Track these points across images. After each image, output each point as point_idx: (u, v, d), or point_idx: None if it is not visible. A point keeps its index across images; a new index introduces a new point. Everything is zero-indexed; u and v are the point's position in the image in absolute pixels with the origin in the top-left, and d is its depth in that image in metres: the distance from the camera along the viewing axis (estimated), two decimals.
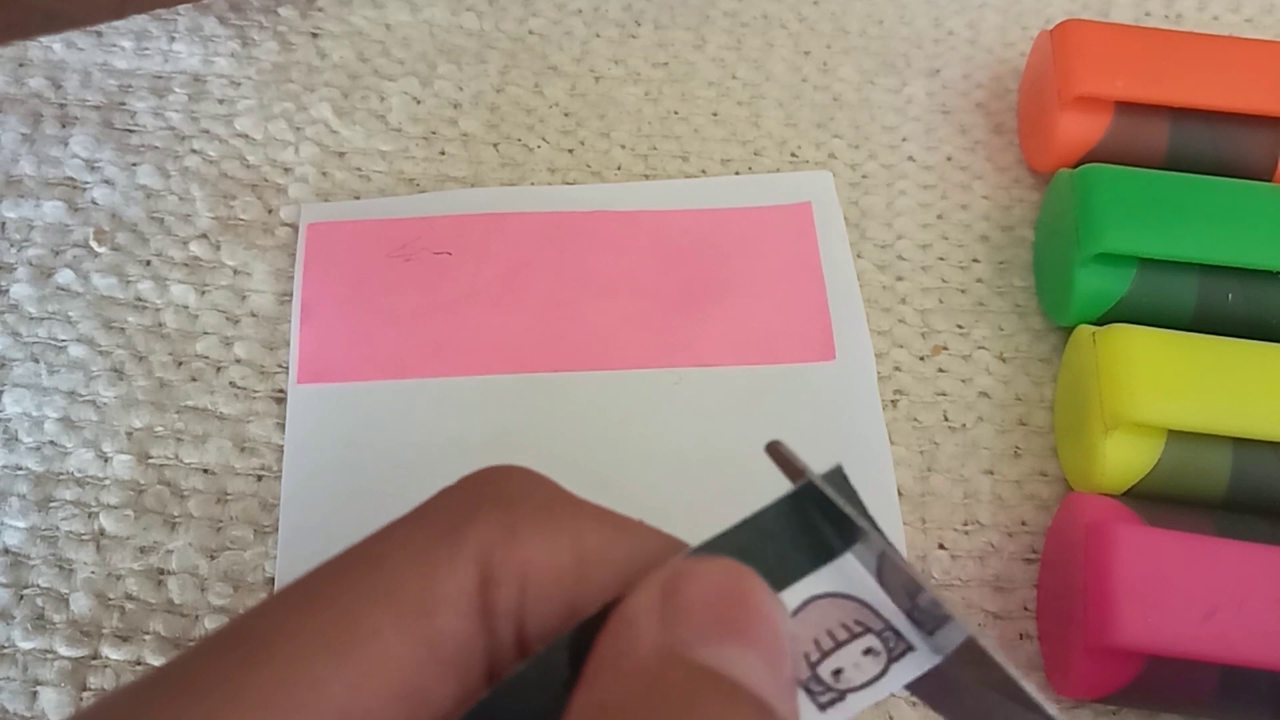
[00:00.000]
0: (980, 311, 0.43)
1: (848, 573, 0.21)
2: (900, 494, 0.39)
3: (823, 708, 0.20)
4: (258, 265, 0.43)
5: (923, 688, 0.21)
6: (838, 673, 0.20)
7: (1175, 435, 0.36)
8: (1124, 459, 0.36)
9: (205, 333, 0.41)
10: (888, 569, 0.21)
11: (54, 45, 0.47)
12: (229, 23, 0.48)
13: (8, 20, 0.38)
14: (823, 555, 0.21)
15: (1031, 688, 0.20)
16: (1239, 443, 0.36)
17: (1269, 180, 0.42)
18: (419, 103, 0.47)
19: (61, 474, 0.39)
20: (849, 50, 0.49)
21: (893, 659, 0.20)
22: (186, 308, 0.42)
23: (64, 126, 0.46)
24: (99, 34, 0.48)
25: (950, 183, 0.45)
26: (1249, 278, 0.39)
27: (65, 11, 0.41)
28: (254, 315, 0.42)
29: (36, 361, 0.41)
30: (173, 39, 0.48)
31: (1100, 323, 0.39)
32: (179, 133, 0.46)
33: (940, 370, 0.41)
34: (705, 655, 0.19)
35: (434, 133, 0.46)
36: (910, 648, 0.21)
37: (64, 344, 0.41)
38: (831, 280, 0.42)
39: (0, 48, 0.47)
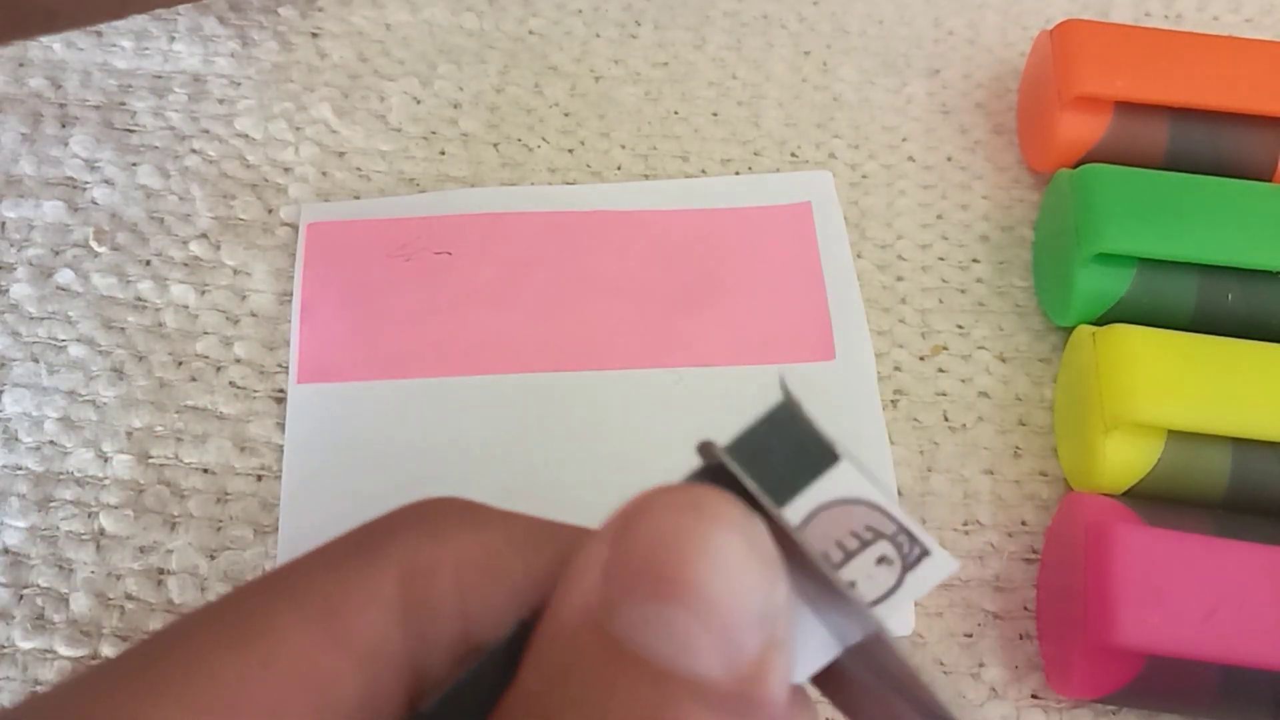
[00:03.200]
0: (980, 311, 0.43)
1: (850, 477, 0.19)
2: (900, 494, 0.39)
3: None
4: (258, 265, 0.43)
5: (823, 681, 0.20)
6: (851, 585, 0.19)
7: (1175, 435, 0.36)
8: (1124, 459, 0.36)
9: (205, 332, 0.41)
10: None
11: (54, 45, 0.47)
12: (229, 23, 0.48)
13: (8, 20, 0.38)
14: (824, 461, 0.20)
15: (945, 695, 0.18)
16: (1239, 443, 0.36)
17: (1269, 180, 0.42)
18: (419, 103, 0.47)
19: (61, 474, 0.39)
20: (849, 50, 0.49)
21: (908, 567, 0.19)
22: (186, 307, 0.42)
23: (64, 126, 0.46)
24: (99, 34, 0.48)
25: (950, 183, 0.45)
26: (1249, 278, 0.39)
27: (65, 11, 0.41)
28: (254, 315, 0.42)
29: (36, 361, 0.41)
30: (173, 39, 0.48)
31: (1100, 323, 0.39)
32: (179, 132, 0.46)
33: (940, 370, 0.41)
34: (626, 622, 0.17)
35: (434, 133, 0.46)
36: (926, 552, 0.19)
37: (64, 344, 0.41)
38: (831, 280, 0.42)
39: (0, 47, 0.47)
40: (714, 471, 0.19)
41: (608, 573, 0.18)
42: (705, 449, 0.20)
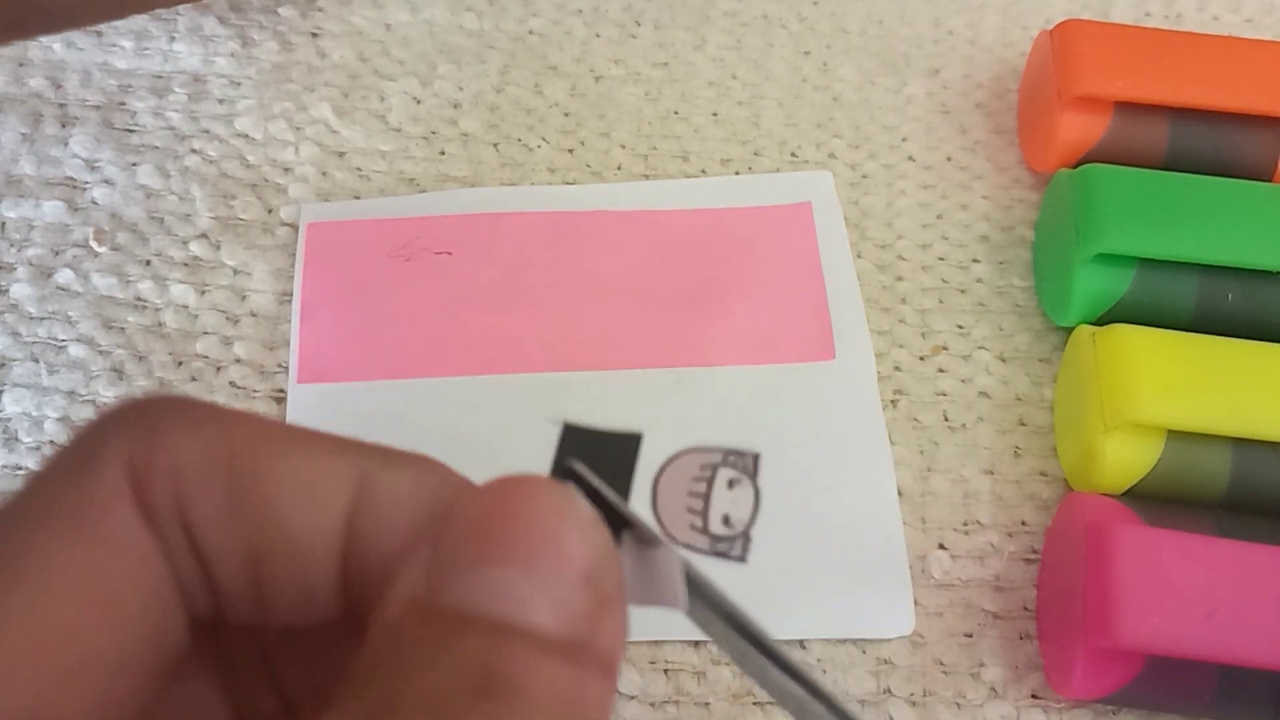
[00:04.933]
0: (980, 311, 0.43)
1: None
2: (900, 494, 0.39)
3: (742, 558, 0.19)
4: (258, 265, 0.43)
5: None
6: (726, 519, 0.19)
7: (1175, 435, 0.36)
8: (1124, 459, 0.36)
9: (205, 332, 0.41)
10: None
11: (54, 45, 0.47)
12: (229, 23, 0.48)
13: (8, 20, 0.38)
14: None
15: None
16: (1239, 443, 0.36)
17: (1269, 180, 0.42)
18: (419, 102, 0.47)
19: None
20: (849, 50, 0.49)
21: (753, 475, 0.20)
22: (186, 307, 0.42)
23: (64, 126, 0.46)
24: (99, 34, 0.48)
25: (950, 183, 0.45)
26: (1249, 278, 0.39)
27: (65, 11, 0.41)
28: (254, 315, 0.42)
29: (36, 361, 0.41)
30: (173, 39, 0.48)
31: (1100, 323, 0.39)
32: (179, 132, 0.46)
33: (940, 370, 0.41)
34: (456, 594, 0.18)
35: (434, 132, 0.46)
36: (758, 455, 0.20)
37: (64, 344, 0.41)
38: (831, 280, 0.42)
39: (0, 47, 0.47)
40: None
41: (437, 552, 0.18)
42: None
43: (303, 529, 0.19)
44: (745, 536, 0.20)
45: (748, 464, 0.20)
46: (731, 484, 0.20)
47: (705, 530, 0.20)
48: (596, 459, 0.20)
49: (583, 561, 0.18)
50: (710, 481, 0.20)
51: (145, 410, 0.20)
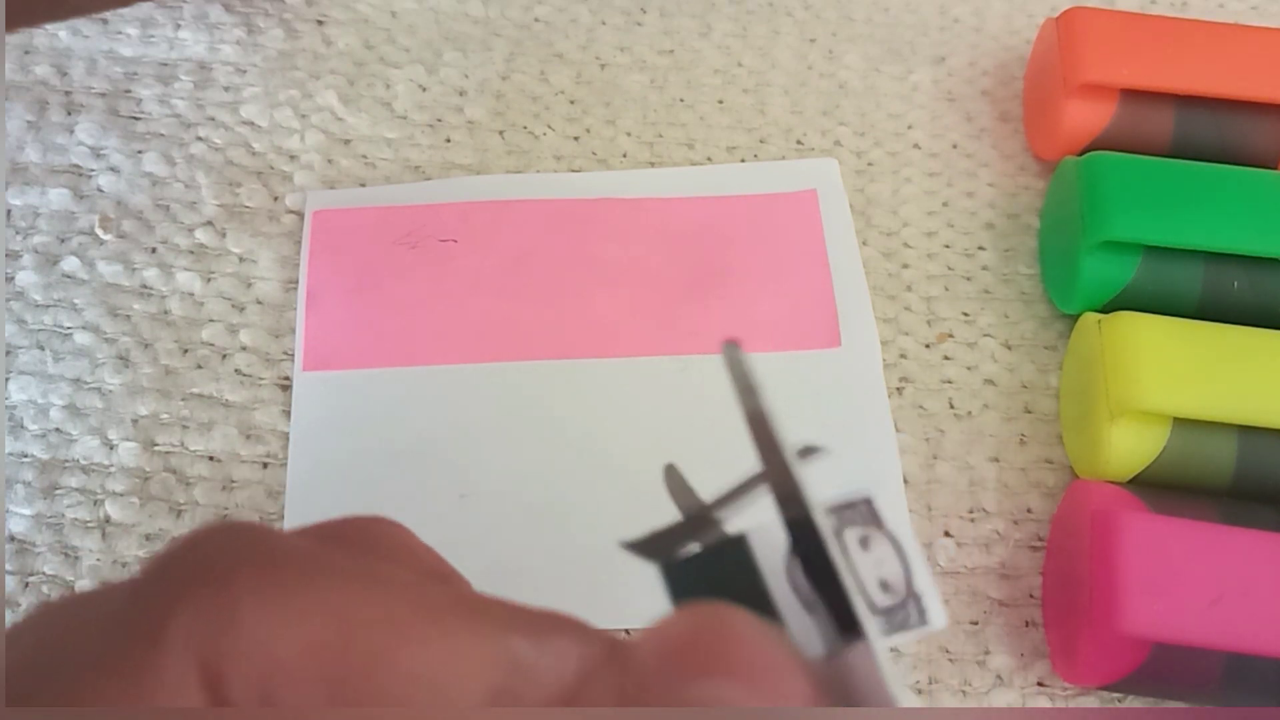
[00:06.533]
0: (986, 299, 0.43)
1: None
2: (906, 481, 0.39)
3: (924, 621, 0.18)
4: (263, 252, 0.43)
5: None
6: (885, 585, 0.19)
7: (1180, 423, 0.36)
8: (1129, 446, 0.36)
9: (211, 320, 0.41)
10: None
11: (59, 32, 0.47)
12: (234, 10, 0.48)
13: (14, 7, 0.38)
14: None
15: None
16: (1244, 430, 0.36)
17: (1274, 168, 0.42)
18: (424, 90, 0.47)
19: (67, 461, 0.39)
20: (854, 38, 0.49)
21: (878, 521, 0.19)
22: (192, 295, 0.42)
23: (69, 114, 0.46)
24: (104, 21, 0.48)
25: (956, 170, 0.45)
26: (1254, 265, 0.39)
27: None
28: (259, 302, 0.42)
29: (42, 349, 0.41)
30: (178, 26, 0.48)
31: (1106, 310, 0.39)
32: (184, 120, 0.46)
33: (946, 357, 0.41)
34: (669, 696, 0.16)
35: (439, 120, 0.46)
36: (869, 499, 0.19)
37: (69, 331, 0.41)
38: (837, 267, 0.42)
39: (6, 35, 0.47)
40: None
41: (624, 679, 0.17)
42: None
43: None
44: (913, 595, 0.19)
45: (865, 512, 0.19)
46: (864, 544, 0.19)
47: (875, 608, 0.19)
48: (715, 583, 0.19)
49: (805, 691, 0.17)
50: (844, 552, 0.19)
51: (221, 578, 0.17)
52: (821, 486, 0.19)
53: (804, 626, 0.19)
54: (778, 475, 0.19)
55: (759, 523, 0.19)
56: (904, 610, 0.19)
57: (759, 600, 0.19)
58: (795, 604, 0.19)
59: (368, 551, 0.19)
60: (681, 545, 0.20)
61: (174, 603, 0.17)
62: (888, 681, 0.17)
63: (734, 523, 0.20)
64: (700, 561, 0.20)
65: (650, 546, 0.20)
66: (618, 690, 0.17)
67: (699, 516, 0.20)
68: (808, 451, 0.20)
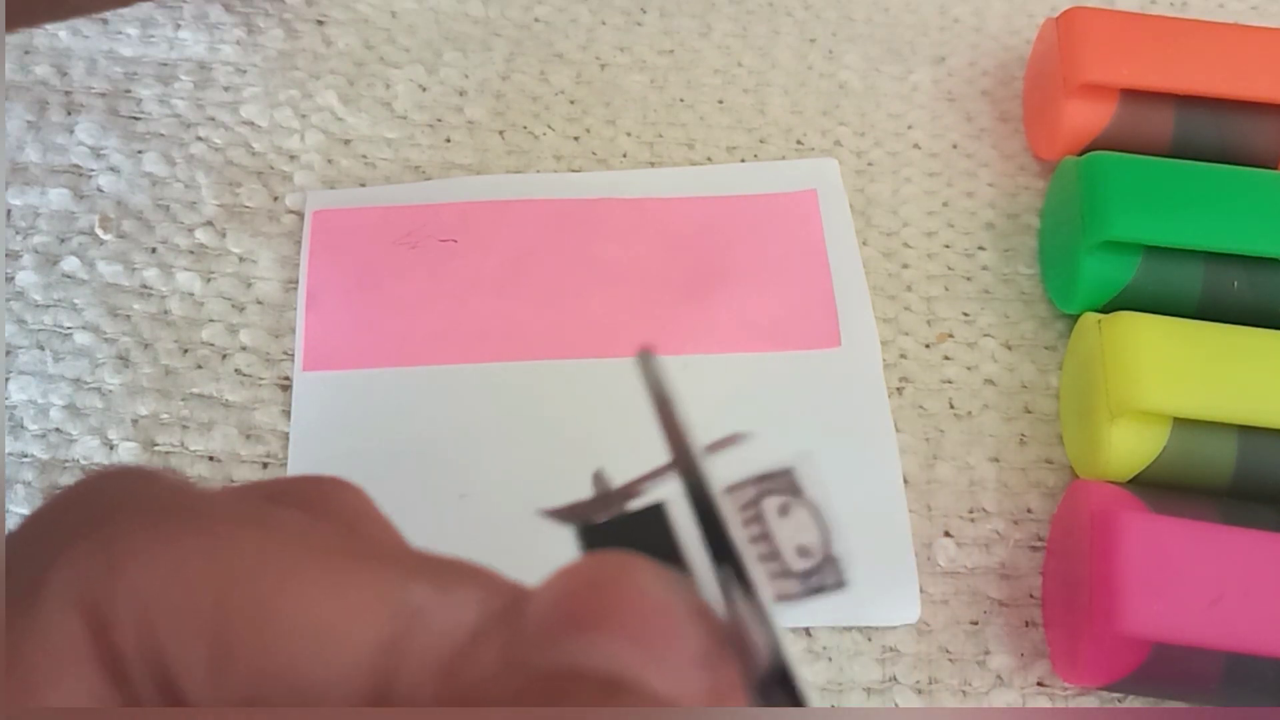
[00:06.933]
0: (986, 299, 0.43)
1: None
2: (906, 481, 0.39)
3: (840, 584, 0.18)
4: (263, 252, 0.43)
5: None
6: (803, 550, 0.19)
7: (1181, 423, 0.36)
8: (1129, 446, 0.36)
9: (211, 320, 0.41)
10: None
11: (59, 32, 0.47)
12: (234, 10, 0.48)
13: (14, 7, 0.38)
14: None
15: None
16: (1244, 430, 0.36)
17: (1274, 168, 0.42)
18: (424, 90, 0.47)
19: (67, 461, 0.39)
20: (854, 38, 0.49)
21: (798, 491, 0.19)
22: (192, 295, 0.42)
23: (69, 114, 0.46)
24: (104, 21, 0.48)
25: (956, 170, 0.45)
26: (1254, 265, 0.39)
27: None
28: (259, 302, 0.42)
29: (42, 349, 0.41)
30: (178, 26, 0.48)
31: (1106, 310, 0.39)
32: (184, 120, 0.46)
33: (946, 357, 0.41)
34: (551, 656, 0.16)
35: (439, 120, 0.46)
36: (790, 469, 0.19)
37: (69, 331, 0.41)
38: (837, 267, 0.42)
39: (6, 35, 0.47)
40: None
41: (511, 633, 0.16)
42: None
43: (320, 682, 0.16)
44: (830, 558, 0.19)
45: (785, 482, 0.19)
46: (783, 510, 0.19)
47: (790, 572, 0.19)
48: (630, 543, 0.19)
49: (698, 644, 0.17)
50: (760, 519, 0.19)
51: (101, 527, 0.16)
52: (752, 465, 0.19)
53: (711, 582, 0.19)
54: (685, 464, 0.19)
55: (676, 493, 0.20)
56: (819, 574, 0.19)
57: (671, 555, 0.19)
58: (706, 561, 0.19)
59: (306, 509, 0.19)
60: (599, 515, 0.20)
61: (55, 555, 0.16)
62: (776, 630, 0.17)
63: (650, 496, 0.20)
64: (617, 524, 0.20)
65: (568, 514, 0.20)
66: (503, 647, 0.16)
67: (617, 493, 0.21)
68: (729, 440, 0.21)
